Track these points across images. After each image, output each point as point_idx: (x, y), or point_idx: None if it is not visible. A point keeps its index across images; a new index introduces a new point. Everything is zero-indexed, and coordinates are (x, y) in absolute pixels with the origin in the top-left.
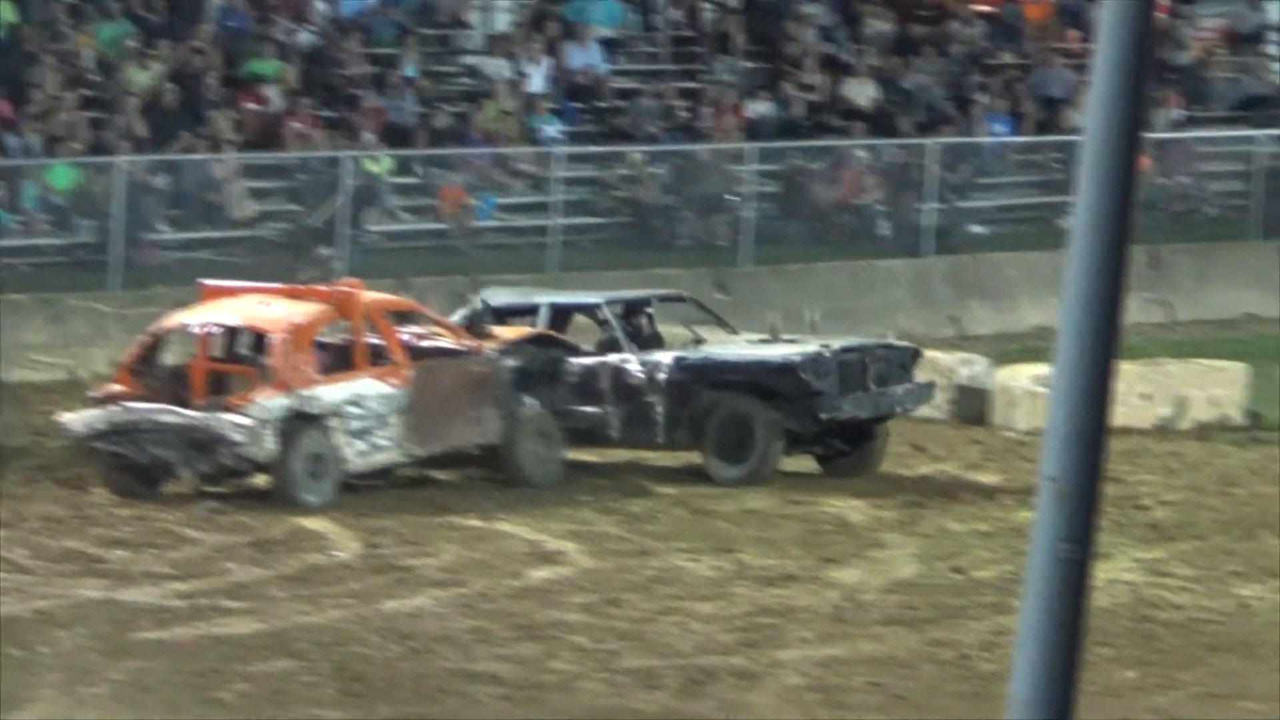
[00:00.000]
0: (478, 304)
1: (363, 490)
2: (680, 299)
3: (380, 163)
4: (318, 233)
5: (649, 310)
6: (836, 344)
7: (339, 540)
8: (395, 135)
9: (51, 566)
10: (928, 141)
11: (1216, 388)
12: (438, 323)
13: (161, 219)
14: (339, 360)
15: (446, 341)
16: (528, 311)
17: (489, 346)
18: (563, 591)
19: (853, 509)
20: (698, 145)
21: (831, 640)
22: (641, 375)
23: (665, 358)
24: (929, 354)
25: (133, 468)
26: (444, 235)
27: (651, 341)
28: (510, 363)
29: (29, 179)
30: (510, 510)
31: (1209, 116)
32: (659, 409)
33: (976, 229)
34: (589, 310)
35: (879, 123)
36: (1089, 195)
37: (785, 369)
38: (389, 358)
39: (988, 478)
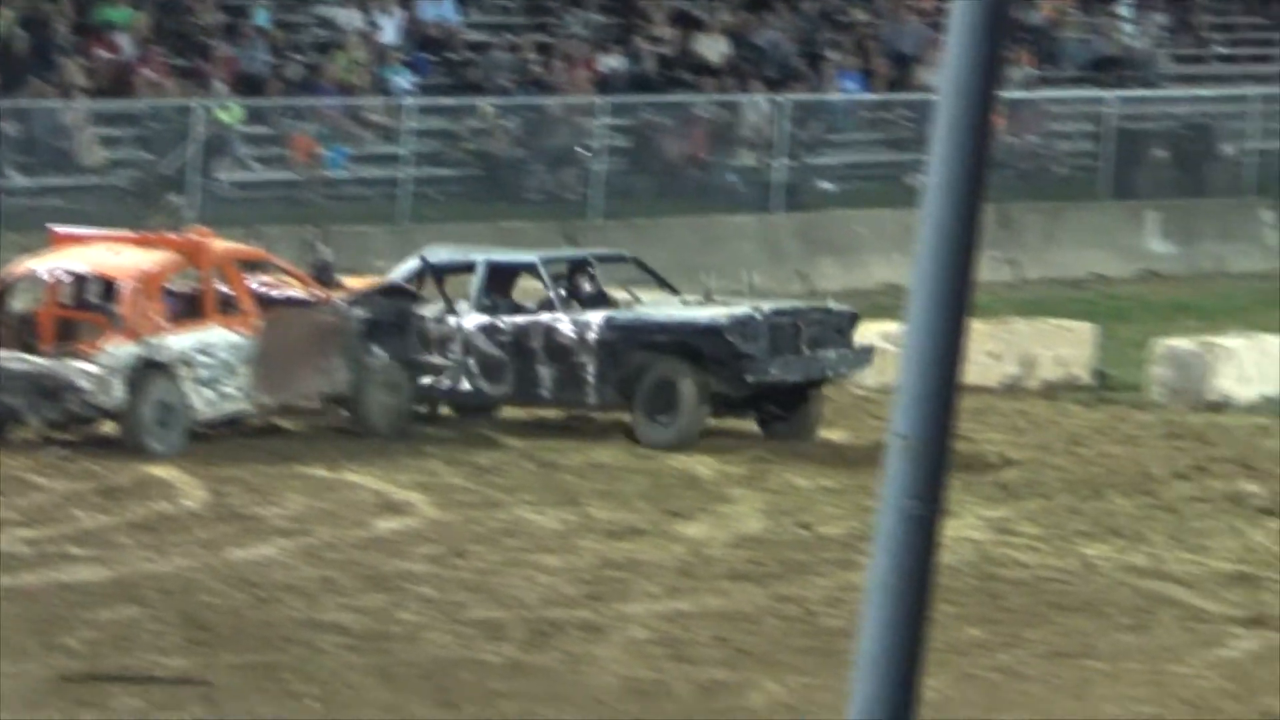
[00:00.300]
0: (326, 254)
1: (210, 439)
2: (622, 259)
3: (231, 111)
4: (168, 181)
5: (591, 270)
6: (769, 306)
7: (186, 489)
8: (247, 84)
9: None
10: (779, 98)
11: (1064, 347)
12: (287, 272)
13: (11, 165)
14: (188, 309)
15: (296, 291)
16: (465, 269)
17: (338, 297)
18: (409, 542)
19: (699, 463)
20: (549, 98)
21: (677, 594)
22: (572, 335)
23: (595, 317)
24: None
25: None
26: (294, 185)
27: (596, 301)
28: (359, 313)
29: None
30: (357, 461)
31: (1059, 76)
32: (589, 369)
33: (826, 185)
34: (526, 268)
35: (734, 77)
36: (942, 153)
37: (712, 331)
38: (238, 307)
39: (835, 434)
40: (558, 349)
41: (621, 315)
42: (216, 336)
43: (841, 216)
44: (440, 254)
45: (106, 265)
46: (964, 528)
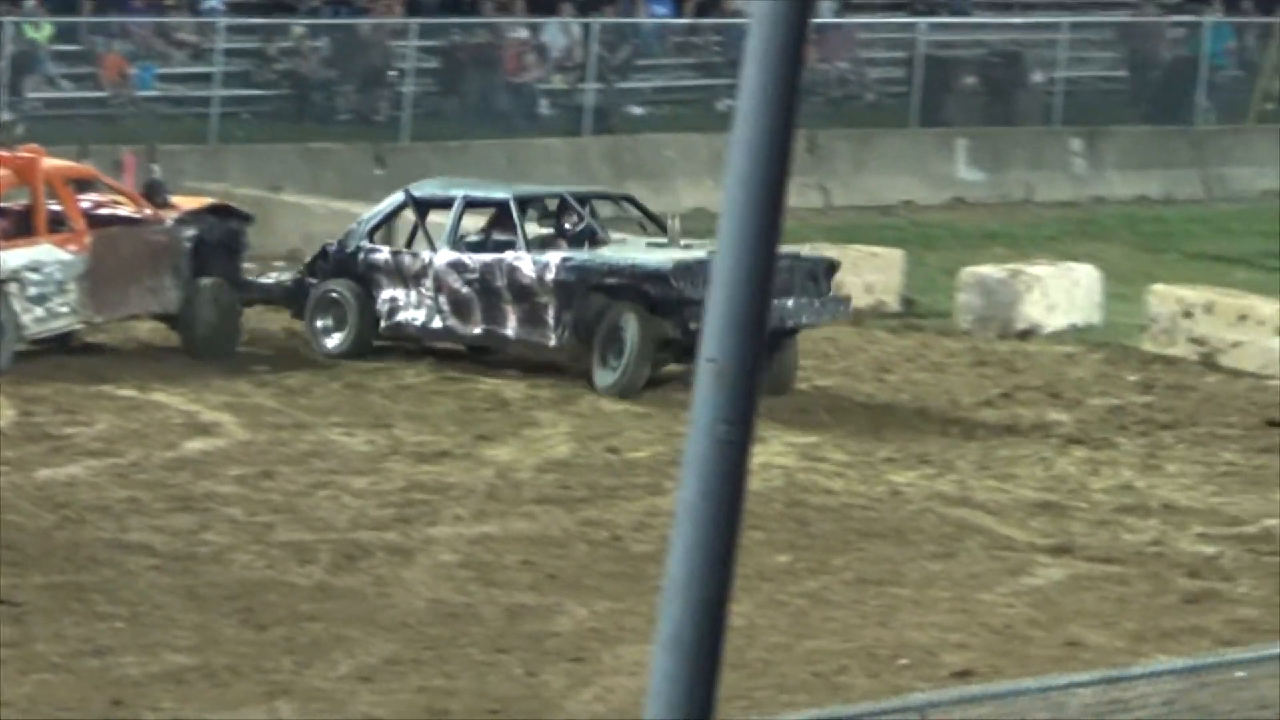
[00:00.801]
0: (156, 173)
1: (21, 357)
2: (619, 199)
3: (41, 29)
4: None
5: (580, 208)
6: None
7: None
8: (57, 1)
9: None
10: (589, 21)
11: (872, 274)
12: (118, 191)
13: None
14: (18, 226)
15: (126, 210)
16: (446, 204)
17: (168, 216)
18: (217, 464)
19: (509, 386)
20: (359, 20)
21: (485, 518)
22: (532, 275)
23: (554, 258)
24: None
25: None
26: (105, 104)
27: (578, 240)
28: (189, 232)
29: None
30: (167, 381)
31: (870, 3)
32: (549, 311)
33: (636, 110)
34: (497, 204)
35: (540, 2)
36: (753, 79)
37: (658, 275)
38: (69, 225)
39: None
40: (520, 289)
41: (578, 256)
42: (47, 254)
43: (651, 141)
44: (425, 188)
45: None
46: (773, 454)
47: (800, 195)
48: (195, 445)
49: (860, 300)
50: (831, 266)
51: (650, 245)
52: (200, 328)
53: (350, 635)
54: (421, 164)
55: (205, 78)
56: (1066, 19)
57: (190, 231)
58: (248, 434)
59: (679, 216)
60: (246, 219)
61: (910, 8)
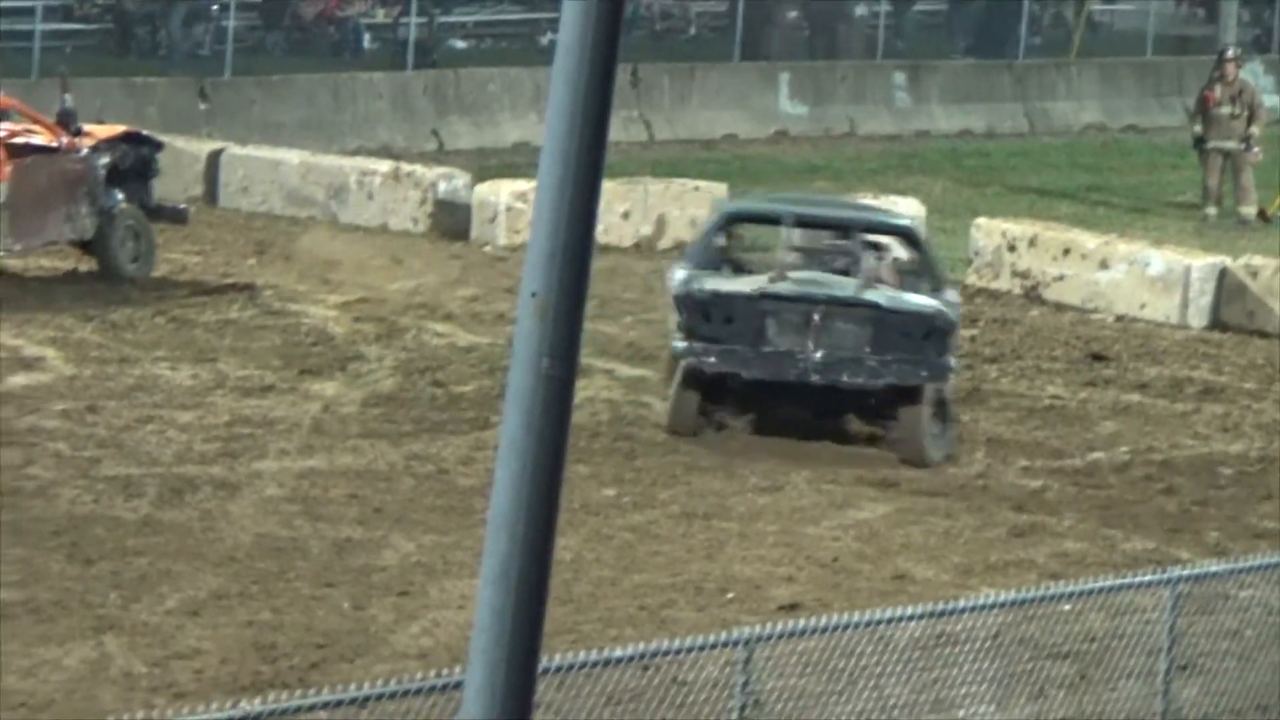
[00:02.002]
0: (69, 101)
1: None
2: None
3: None
4: None
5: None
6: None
7: None
8: None
9: None
10: None
11: (697, 207)
12: (35, 119)
13: None
14: None
15: (41, 139)
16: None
17: (83, 144)
18: (42, 398)
19: (333, 320)
20: None
21: (310, 452)
22: None
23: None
24: (410, 167)
25: None
26: None
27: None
28: (104, 160)
29: None
30: None
31: None
32: None
33: (458, 44)
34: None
35: None
36: (573, 12)
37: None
38: None
39: (466, 291)
40: None
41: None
42: None
43: (474, 75)
44: (740, 203)
45: None
46: (597, 387)
47: (623, 129)
48: (19, 380)
49: (684, 233)
50: (947, 326)
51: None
52: (116, 252)
53: (177, 570)
54: (244, 97)
55: (28, 12)
56: None
57: (104, 159)
58: (72, 369)
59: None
60: (158, 146)
61: None
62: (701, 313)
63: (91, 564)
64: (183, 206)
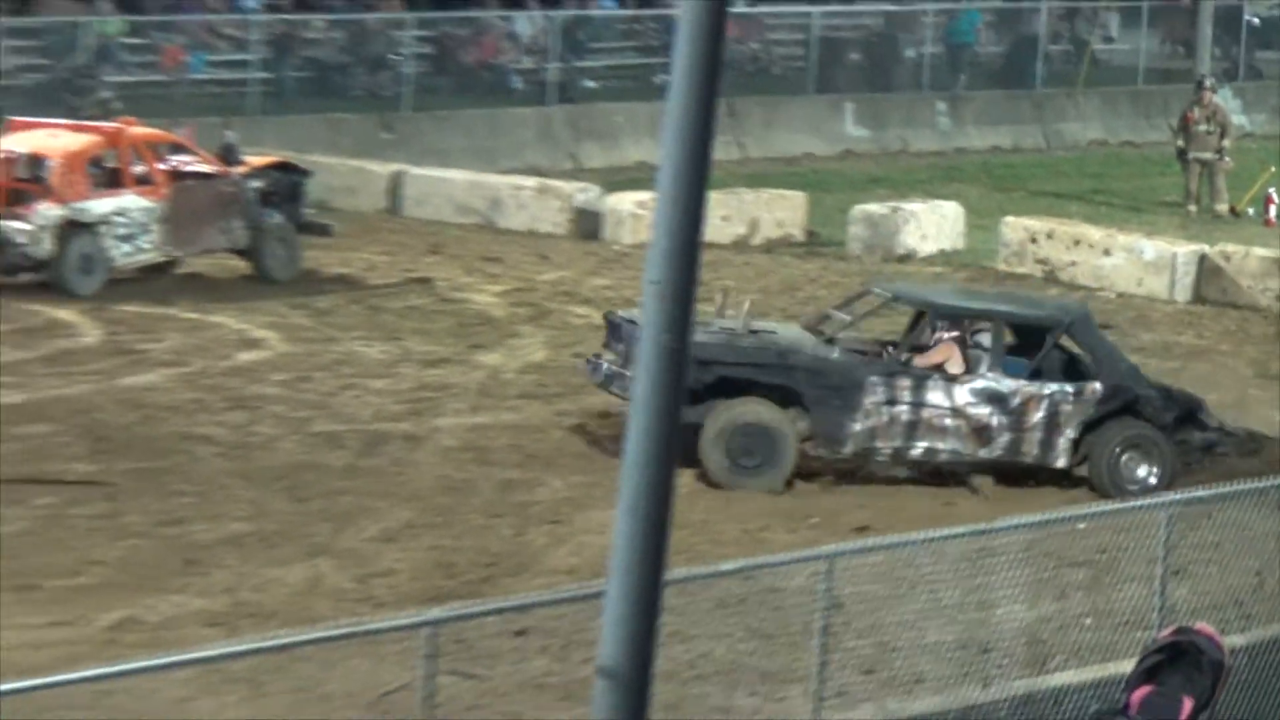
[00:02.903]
0: (232, 138)
1: (108, 287)
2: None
3: (110, 25)
4: (66, 83)
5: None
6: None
7: (84, 328)
8: (126, 3)
9: None
10: (551, 13)
11: (781, 211)
12: (199, 155)
13: None
14: (111, 180)
15: (204, 168)
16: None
17: (237, 171)
18: (265, 371)
19: (494, 305)
20: (368, 15)
21: (479, 410)
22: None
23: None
24: (553, 183)
25: None
26: (165, 85)
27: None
28: (256, 184)
29: None
30: (222, 305)
31: None
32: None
33: (590, 83)
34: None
35: None
36: (683, 57)
37: None
38: (151, 179)
39: (600, 281)
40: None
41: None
42: (132, 202)
43: (603, 109)
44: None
45: (42, 146)
46: None
47: (723, 150)
48: (245, 356)
49: (772, 232)
50: None
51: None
52: (267, 258)
53: (375, 506)
54: (418, 130)
55: (244, 64)
56: (930, 5)
57: (255, 183)
58: (288, 346)
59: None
60: (305, 173)
61: None
62: None
63: (306, 501)
64: (327, 223)
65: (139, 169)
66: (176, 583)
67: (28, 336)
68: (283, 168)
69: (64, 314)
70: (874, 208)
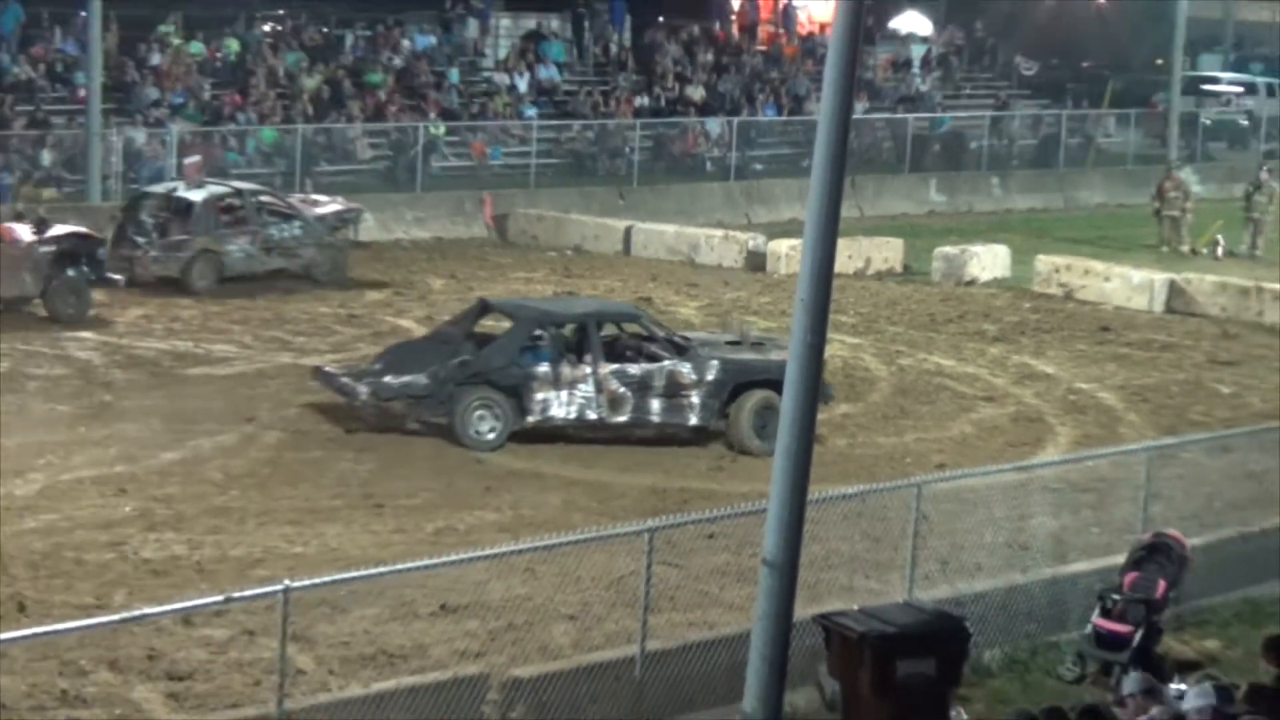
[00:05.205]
0: (39, 212)
1: None
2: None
3: (437, 128)
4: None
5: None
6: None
7: None
8: (446, 114)
9: None
10: (731, 119)
11: (887, 252)
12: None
13: (322, 160)
14: None
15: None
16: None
17: (31, 236)
18: None
19: (693, 315)
20: (608, 121)
21: None
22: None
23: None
24: (733, 233)
25: None
26: (474, 170)
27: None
28: (48, 247)
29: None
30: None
31: (880, 106)
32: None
33: (758, 165)
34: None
35: (707, 108)
36: (823, 147)
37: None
38: None
39: (766, 299)
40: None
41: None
42: None
43: (768, 183)
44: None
45: None
46: (832, 350)
47: (847, 211)
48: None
49: (881, 266)
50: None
51: (729, 344)
52: (59, 305)
53: (613, 450)
54: (643, 198)
55: (526, 153)
56: (985, 114)
57: (48, 248)
58: None
59: (749, 324)
60: (101, 242)
61: (902, 109)
62: None
63: (568, 445)
64: (116, 277)
65: None
66: (479, 502)
67: None
68: (78, 236)
69: None
70: (949, 249)
